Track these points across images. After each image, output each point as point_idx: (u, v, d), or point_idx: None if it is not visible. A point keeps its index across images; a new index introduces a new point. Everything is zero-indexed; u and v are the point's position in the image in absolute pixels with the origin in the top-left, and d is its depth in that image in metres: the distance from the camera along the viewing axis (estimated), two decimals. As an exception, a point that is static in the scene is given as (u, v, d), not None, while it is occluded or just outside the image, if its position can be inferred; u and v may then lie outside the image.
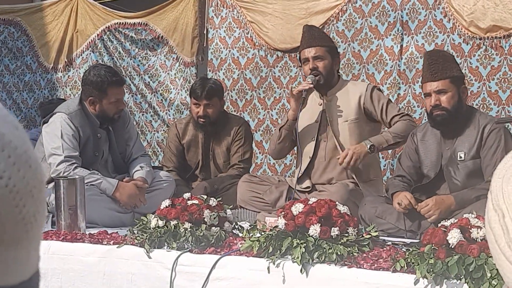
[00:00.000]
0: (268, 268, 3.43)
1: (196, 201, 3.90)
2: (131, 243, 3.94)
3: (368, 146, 4.63)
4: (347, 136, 4.77)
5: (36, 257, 0.66)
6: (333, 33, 6.24)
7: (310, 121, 4.87)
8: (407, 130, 4.65)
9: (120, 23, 7.40)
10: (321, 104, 4.86)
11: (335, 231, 3.38)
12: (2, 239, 0.60)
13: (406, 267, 3.12)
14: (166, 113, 7.20)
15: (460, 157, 4.21)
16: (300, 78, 6.44)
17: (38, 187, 0.64)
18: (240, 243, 3.65)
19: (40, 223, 0.65)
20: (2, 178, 0.59)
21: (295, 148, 5.05)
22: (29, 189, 0.62)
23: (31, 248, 0.64)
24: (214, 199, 3.97)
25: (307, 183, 4.84)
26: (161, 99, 7.22)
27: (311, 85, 4.72)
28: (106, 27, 7.47)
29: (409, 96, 5.91)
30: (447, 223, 3.13)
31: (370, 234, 3.48)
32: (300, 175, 4.84)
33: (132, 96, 7.35)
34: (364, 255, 3.33)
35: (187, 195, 4.02)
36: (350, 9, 6.21)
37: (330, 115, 4.81)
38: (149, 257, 3.82)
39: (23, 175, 0.61)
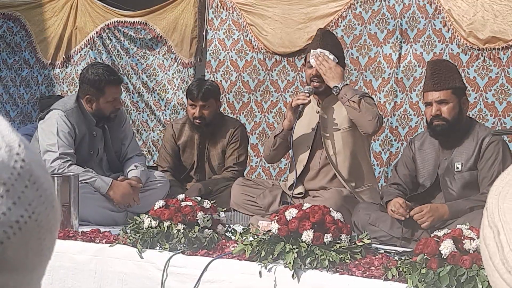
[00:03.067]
0: (260, 272, 3.43)
1: (189, 203, 3.90)
2: (123, 242, 3.93)
3: (340, 85, 4.59)
4: (341, 146, 4.75)
5: (40, 282, 0.77)
6: (332, 38, 6.25)
7: (307, 129, 4.84)
8: (369, 110, 4.58)
9: (119, 21, 7.40)
10: (318, 112, 4.84)
11: (328, 238, 3.38)
12: (24, 264, 0.71)
13: (397, 276, 3.12)
14: (162, 113, 7.19)
15: (457, 167, 4.22)
16: (297, 82, 6.44)
17: (56, 226, 0.75)
18: (233, 246, 3.65)
19: (50, 256, 0.77)
20: (33, 213, 0.70)
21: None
22: (50, 226, 0.73)
23: (40, 276, 0.76)
24: (208, 201, 3.97)
25: (300, 189, 4.83)
26: (158, 99, 7.22)
27: (308, 98, 4.68)
28: (105, 25, 7.46)
29: (406, 104, 5.91)
30: (440, 233, 3.13)
31: (362, 242, 3.48)
32: (293, 182, 4.83)
33: (129, 95, 7.34)
34: (356, 262, 3.34)
35: (181, 196, 4.02)
36: (349, 16, 6.21)
37: (325, 124, 4.79)
38: (141, 257, 3.82)
39: (48, 213, 0.73)
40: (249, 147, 5.98)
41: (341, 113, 4.75)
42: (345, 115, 4.74)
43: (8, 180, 0.69)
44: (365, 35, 6.14)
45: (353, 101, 4.58)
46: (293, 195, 4.78)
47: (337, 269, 3.31)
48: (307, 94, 4.70)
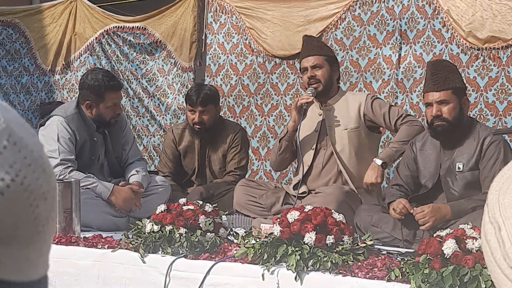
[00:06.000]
0: (263, 275, 3.42)
1: (191, 207, 3.90)
2: (125, 247, 3.93)
3: (380, 164, 4.66)
4: (346, 144, 4.80)
5: (46, 262, 0.68)
6: (331, 41, 6.25)
7: (310, 131, 4.90)
8: (411, 133, 4.71)
9: (118, 26, 7.40)
10: (320, 114, 4.90)
11: (330, 239, 3.38)
12: (15, 235, 0.63)
13: (400, 277, 3.12)
14: (163, 117, 7.19)
15: (459, 168, 4.21)
16: (297, 85, 6.44)
17: (52, 193, 0.66)
18: (235, 250, 3.64)
19: (51, 228, 0.67)
20: (17, 176, 0.62)
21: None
22: (42, 191, 0.65)
23: (42, 251, 0.67)
24: (210, 205, 3.97)
25: (303, 189, 4.86)
26: (158, 104, 7.22)
27: (312, 97, 4.76)
28: (104, 30, 7.47)
29: (406, 105, 5.91)
30: (442, 233, 3.13)
31: (365, 243, 3.48)
32: (298, 181, 4.85)
33: (129, 100, 7.34)
34: (359, 263, 3.33)
35: (182, 200, 4.02)
36: (349, 17, 6.21)
37: (329, 123, 4.84)
38: (144, 262, 3.81)
39: (38, 177, 0.64)
40: (250, 151, 5.98)
41: (347, 112, 4.81)
42: (352, 115, 4.80)
43: None
44: (364, 37, 6.14)
45: (400, 152, 4.71)
46: (297, 194, 4.80)
47: (340, 271, 3.30)
48: (310, 94, 4.76)
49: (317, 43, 5.02)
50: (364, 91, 5.91)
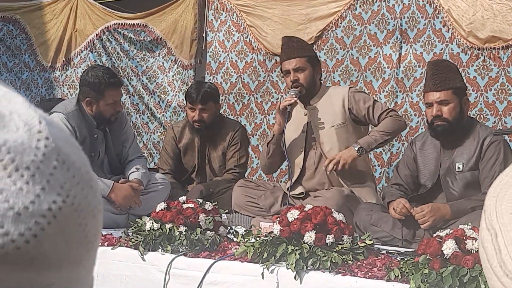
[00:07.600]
0: (262, 273, 3.43)
1: (191, 205, 3.90)
2: (125, 245, 3.94)
3: (357, 149, 4.62)
4: (335, 141, 4.78)
5: (92, 280, 0.67)
6: (332, 39, 6.25)
7: (297, 133, 4.88)
8: (394, 126, 4.69)
9: (119, 23, 7.40)
10: (305, 114, 4.88)
11: (330, 239, 3.39)
12: (68, 257, 0.61)
13: (400, 277, 3.12)
14: (163, 115, 7.19)
15: (458, 167, 4.22)
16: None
17: (98, 208, 0.65)
18: (235, 248, 3.65)
19: (98, 244, 0.66)
20: (68, 197, 0.60)
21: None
22: (91, 209, 0.63)
23: (89, 269, 0.65)
24: (210, 203, 3.97)
25: (299, 189, 4.84)
26: (159, 101, 7.22)
27: (295, 98, 4.73)
28: (105, 27, 7.47)
29: (407, 104, 5.91)
30: (442, 233, 3.13)
31: (365, 243, 3.48)
32: (291, 184, 4.84)
33: (130, 97, 7.34)
34: (359, 263, 3.34)
35: (182, 198, 4.02)
36: (349, 16, 6.21)
37: (315, 122, 4.82)
38: (143, 260, 3.82)
39: (86, 194, 0.62)
40: (249, 149, 5.98)
41: (332, 109, 4.80)
42: (337, 110, 4.78)
43: (32, 163, 0.60)
44: (365, 36, 6.14)
45: (379, 142, 4.70)
46: (294, 195, 4.80)
47: (340, 270, 3.31)
48: (293, 95, 4.74)
49: (298, 44, 4.94)
50: (364, 90, 5.90)
